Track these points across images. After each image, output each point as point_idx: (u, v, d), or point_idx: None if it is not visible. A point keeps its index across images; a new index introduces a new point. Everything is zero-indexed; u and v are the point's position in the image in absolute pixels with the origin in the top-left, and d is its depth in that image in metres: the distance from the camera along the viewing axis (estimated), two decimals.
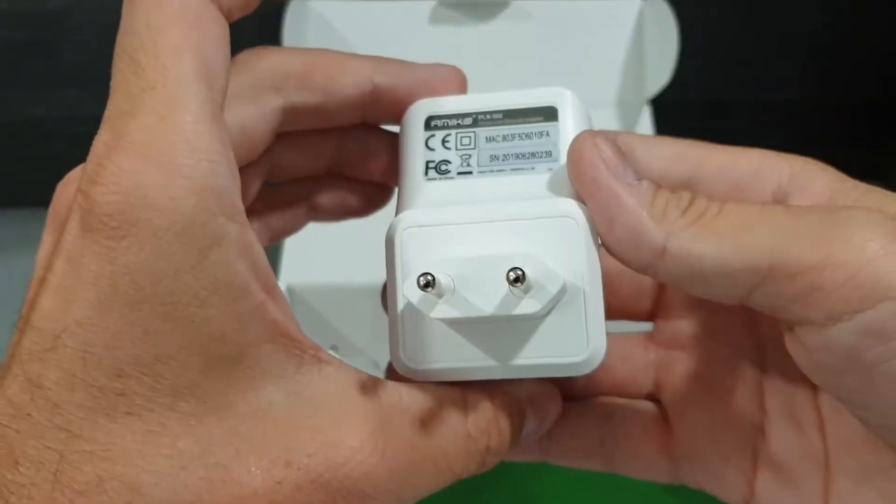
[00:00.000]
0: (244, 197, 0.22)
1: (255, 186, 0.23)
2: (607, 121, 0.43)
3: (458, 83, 0.23)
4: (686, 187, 0.19)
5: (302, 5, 0.42)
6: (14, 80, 0.58)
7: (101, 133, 0.16)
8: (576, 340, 0.18)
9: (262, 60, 0.21)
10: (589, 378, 0.23)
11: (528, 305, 0.17)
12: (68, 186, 0.20)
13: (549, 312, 0.18)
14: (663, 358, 0.23)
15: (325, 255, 0.41)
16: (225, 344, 0.16)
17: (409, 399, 0.18)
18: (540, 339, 0.18)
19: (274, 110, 0.21)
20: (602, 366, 0.19)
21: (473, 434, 0.18)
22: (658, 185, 0.18)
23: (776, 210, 0.17)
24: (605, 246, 0.19)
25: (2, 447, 0.15)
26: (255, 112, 0.20)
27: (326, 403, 0.17)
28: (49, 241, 0.19)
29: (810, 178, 0.19)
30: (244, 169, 0.21)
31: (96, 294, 0.15)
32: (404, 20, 0.43)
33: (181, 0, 0.16)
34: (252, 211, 0.23)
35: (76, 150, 0.66)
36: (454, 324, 0.19)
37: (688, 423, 0.22)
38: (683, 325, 0.23)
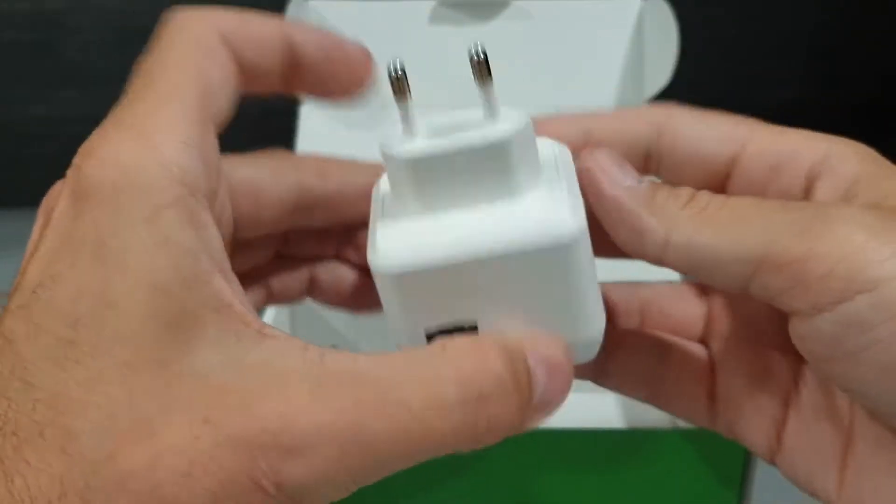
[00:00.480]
0: (252, 257, 0.24)
1: (268, 254, 0.25)
2: None
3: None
4: (730, 167, 0.21)
5: (302, 4, 0.42)
6: (14, 80, 0.58)
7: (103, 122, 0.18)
8: (558, 215, 0.18)
9: (284, 152, 0.24)
10: (645, 320, 0.24)
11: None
12: (57, 187, 0.21)
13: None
14: (715, 307, 0.24)
15: None
16: (168, 299, 0.16)
17: (365, 361, 0.17)
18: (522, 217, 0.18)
19: (289, 184, 0.23)
20: (658, 309, 0.23)
21: (453, 378, 0.16)
22: (658, 183, 0.20)
23: (773, 205, 0.18)
24: (619, 244, 0.20)
25: None
26: (271, 179, 0.23)
27: (260, 370, 0.16)
28: (37, 229, 0.20)
29: (842, 159, 0.20)
30: (260, 239, 0.24)
31: (71, 251, 0.16)
32: (404, 20, 0.43)
33: (197, 36, 0.19)
34: (256, 270, 0.25)
35: (76, 150, 0.66)
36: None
37: (731, 370, 0.22)
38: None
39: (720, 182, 0.21)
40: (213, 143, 0.19)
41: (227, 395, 0.16)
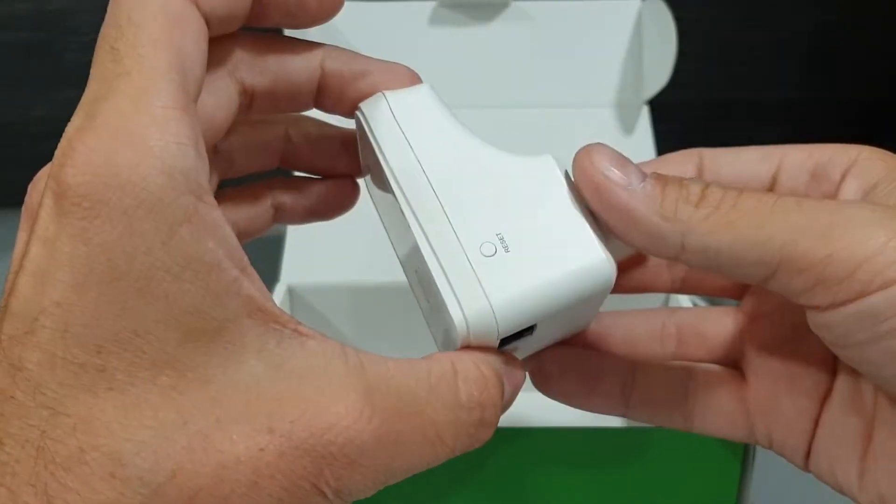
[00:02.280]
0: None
1: (213, 182, 0.23)
2: (606, 122, 0.43)
3: (412, 83, 0.23)
4: (772, 183, 0.22)
5: None
6: (15, 80, 0.58)
7: (73, 118, 0.17)
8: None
9: (216, 44, 0.21)
10: (681, 345, 0.25)
11: None
12: (39, 183, 0.20)
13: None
14: (748, 325, 0.24)
15: (325, 256, 0.41)
16: (202, 318, 0.16)
17: (397, 369, 0.18)
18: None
19: (230, 95, 0.21)
20: (695, 332, 0.24)
21: (466, 405, 0.18)
22: (664, 177, 0.20)
23: (788, 204, 0.19)
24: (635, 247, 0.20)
25: None
26: (214, 97, 0.21)
27: (309, 374, 0.17)
28: (24, 237, 0.19)
29: (870, 162, 0.21)
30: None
31: (72, 274, 0.15)
32: (405, 21, 0.43)
33: (163, 4, 0.17)
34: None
35: None
36: None
37: (766, 380, 0.23)
38: (765, 301, 0.24)
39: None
40: (198, 122, 0.17)
41: (284, 403, 0.16)
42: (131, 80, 0.16)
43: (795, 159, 0.22)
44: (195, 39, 0.18)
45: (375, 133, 0.21)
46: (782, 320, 0.23)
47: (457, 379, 0.19)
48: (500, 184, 0.21)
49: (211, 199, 0.17)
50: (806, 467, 0.22)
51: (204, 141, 0.21)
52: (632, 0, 0.44)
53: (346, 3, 0.43)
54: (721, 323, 0.25)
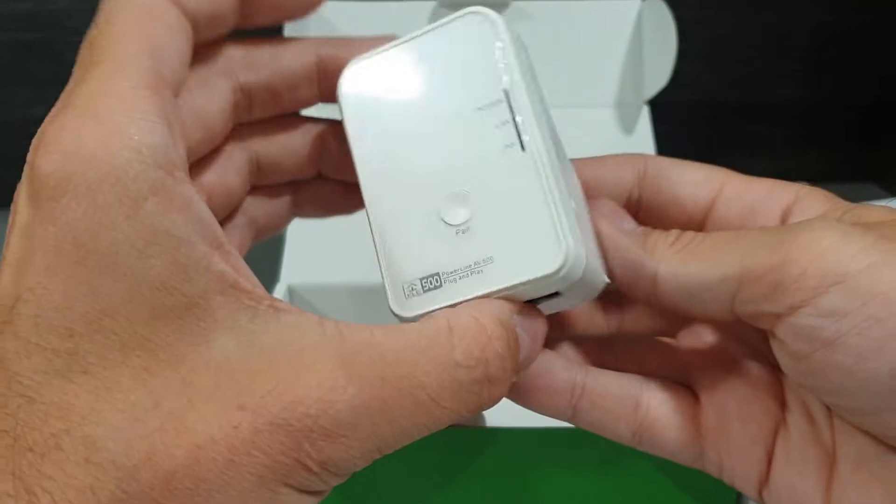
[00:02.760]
0: (231, 196, 0.23)
1: (243, 185, 0.23)
2: (607, 121, 0.43)
3: None
4: (707, 210, 0.23)
5: None
6: (15, 80, 0.58)
7: (52, 110, 0.17)
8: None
9: (209, 48, 0.21)
10: (618, 362, 0.24)
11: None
12: None
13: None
14: (691, 357, 0.24)
15: (325, 255, 0.41)
16: (170, 294, 0.16)
17: (382, 336, 0.17)
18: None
19: (223, 92, 0.21)
20: (630, 346, 0.25)
21: (463, 362, 0.18)
22: (651, 230, 0.22)
23: (749, 231, 0.20)
24: (616, 283, 0.22)
25: None
26: (206, 95, 0.21)
27: (282, 348, 0.17)
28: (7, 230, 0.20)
29: (811, 200, 0.22)
30: (228, 170, 0.22)
31: (44, 257, 0.15)
32: (405, 21, 0.43)
33: (142, 3, 0.18)
34: (239, 210, 0.24)
35: None
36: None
37: (718, 407, 0.23)
38: (707, 334, 0.24)
39: (698, 225, 0.23)
40: (173, 106, 0.17)
41: (255, 378, 0.16)
42: (102, 67, 0.17)
43: (734, 188, 0.23)
44: (171, 33, 0.18)
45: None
46: (726, 353, 0.23)
47: (452, 336, 0.18)
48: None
49: (182, 175, 0.17)
50: (759, 498, 0.22)
51: (207, 140, 0.21)
52: (632, 0, 0.44)
53: (346, 4, 0.43)
54: (661, 350, 0.25)
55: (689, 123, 0.63)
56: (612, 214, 0.22)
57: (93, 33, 0.18)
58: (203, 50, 0.21)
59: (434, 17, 0.43)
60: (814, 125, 0.66)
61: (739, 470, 0.22)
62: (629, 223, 0.22)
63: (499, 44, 0.21)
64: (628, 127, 0.43)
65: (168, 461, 0.15)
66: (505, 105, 0.21)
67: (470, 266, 0.20)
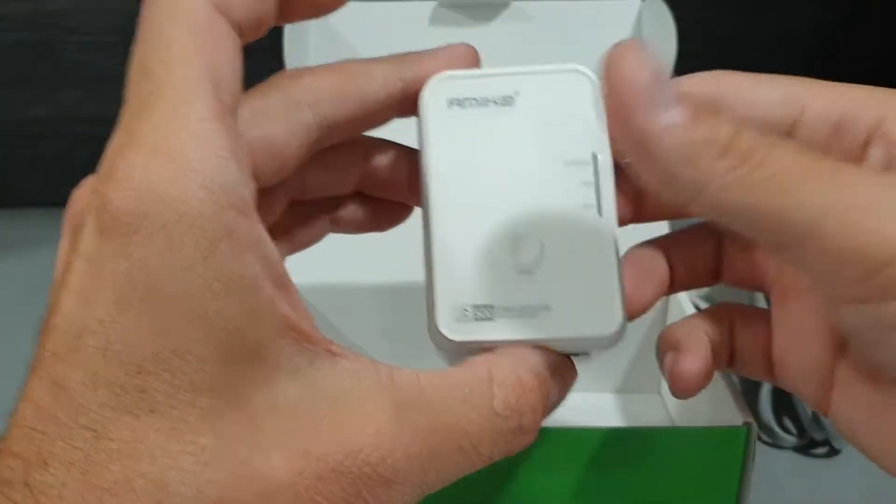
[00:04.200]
0: (271, 212, 0.23)
1: (282, 204, 0.23)
2: None
3: (473, 61, 0.24)
4: (790, 132, 0.20)
5: None
6: (15, 80, 0.58)
7: (114, 136, 0.17)
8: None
9: (294, 80, 0.21)
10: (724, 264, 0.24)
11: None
12: (82, 192, 0.20)
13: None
14: (769, 264, 0.24)
15: (326, 255, 0.41)
16: (240, 338, 0.16)
17: (427, 383, 0.18)
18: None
19: (306, 126, 0.21)
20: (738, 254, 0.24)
21: (501, 413, 0.18)
22: (697, 109, 0.17)
23: (822, 172, 0.17)
24: (642, 178, 0.19)
25: (30, 449, 0.15)
26: (285, 128, 0.21)
27: (342, 394, 0.17)
28: (65, 246, 0.19)
29: (894, 121, 0.20)
30: (275, 187, 0.22)
31: (114, 291, 0.15)
32: (405, 21, 0.43)
33: (191, 13, 0.17)
34: (276, 224, 0.23)
35: (77, 150, 0.67)
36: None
37: (789, 326, 0.23)
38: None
39: None
40: (238, 136, 0.17)
41: (318, 425, 0.17)
42: (164, 95, 0.16)
43: (820, 106, 0.21)
44: (226, 50, 0.17)
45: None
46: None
47: (492, 385, 0.19)
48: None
49: (252, 213, 0.17)
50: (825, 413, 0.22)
51: (277, 166, 0.21)
52: (632, 0, 0.44)
53: (346, 4, 0.42)
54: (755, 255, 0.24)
55: None
56: (643, 90, 0.17)
57: (141, 51, 0.17)
58: (288, 81, 0.21)
59: (434, 17, 0.43)
60: None
61: (805, 390, 0.22)
62: (668, 97, 0.17)
63: (596, 106, 0.22)
64: None
65: None
66: (591, 168, 0.22)
67: (525, 307, 0.21)
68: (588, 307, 0.21)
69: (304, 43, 0.42)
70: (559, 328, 0.20)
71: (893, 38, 0.63)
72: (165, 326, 0.15)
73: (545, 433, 0.28)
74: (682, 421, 0.37)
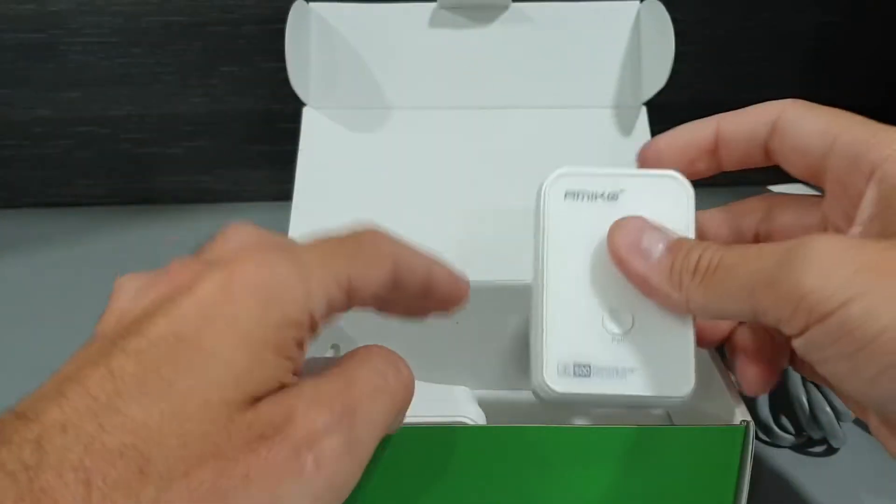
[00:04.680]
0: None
1: None
2: (605, 123, 0.43)
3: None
4: (825, 159, 0.26)
5: (303, 6, 0.42)
6: (17, 81, 0.58)
7: None
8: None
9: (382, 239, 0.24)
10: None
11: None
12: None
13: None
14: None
15: None
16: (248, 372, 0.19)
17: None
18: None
19: (382, 282, 0.23)
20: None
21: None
22: (675, 247, 0.25)
23: (751, 254, 0.23)
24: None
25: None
26: (366, 278, 0.22)
27: None
28: (170, 286, 0.21)
29: (893, 166, 0.24)
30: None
31: (188, 326, 0.19)
32: (405, 22, 0.43)
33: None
34: None
35: (78, 150, 0.67)
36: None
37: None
38: None
39: (816, 173, 0.26)
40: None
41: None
42: None
43: (847, 140, 0.26)
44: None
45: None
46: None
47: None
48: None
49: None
50: None
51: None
52: (630, 1, 0.44)
53: (345, 5, 0.42)
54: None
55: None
56: (634, 247, 0.26)
57: None
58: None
59: (434, 19, 0.43)
60: None
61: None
62: (655, 243, 0.26)
63: (686, 207, 0.28)
64: (626, 128, 0.43)
65: (198, 479, 0.17)
66: None
67: (616, 368, 0.26)
68: (668, 372, 0.26)
69: (306, 44, 0.43)
70: (643, 388, 0.26)
71: (893, 38, 0.63)
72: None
73: (542, 433, 0.29)
74: (680, 420, 0.37)
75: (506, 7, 0.43)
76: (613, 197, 0.27)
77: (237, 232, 0.22)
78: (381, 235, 0.23)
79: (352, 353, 0.22)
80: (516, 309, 0.36)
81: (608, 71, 0.44)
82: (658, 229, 0.26)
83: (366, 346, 0.22)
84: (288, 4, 0.41)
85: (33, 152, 0.60)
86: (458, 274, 0.25)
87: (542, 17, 0.44)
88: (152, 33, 0.57)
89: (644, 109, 0.43)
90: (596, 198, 0.27)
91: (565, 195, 0.28)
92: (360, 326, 0.41)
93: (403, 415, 0.22)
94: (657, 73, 0.41)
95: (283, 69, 0.41)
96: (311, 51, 0.43)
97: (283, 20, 0.41)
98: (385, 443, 0.26)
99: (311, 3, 0.43)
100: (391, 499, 0.28)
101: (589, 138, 0.42)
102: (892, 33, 0.63)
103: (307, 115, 0.42)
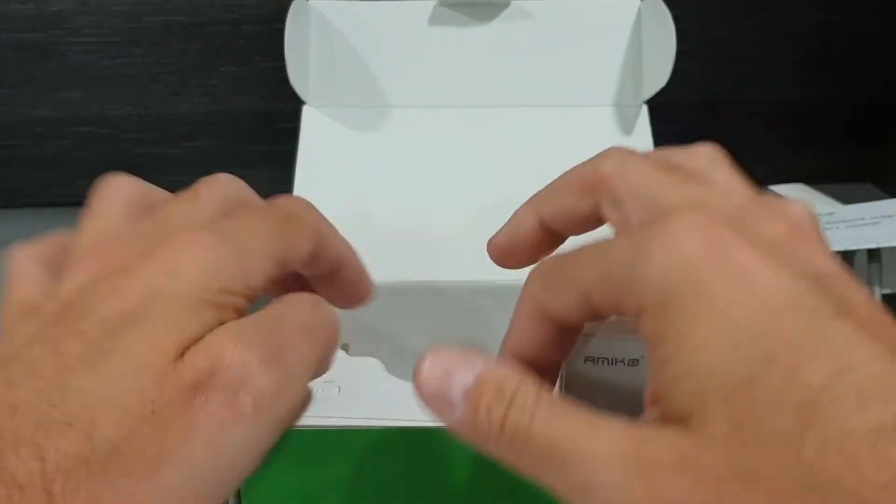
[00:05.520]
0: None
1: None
2: (606, 122, 0.43)
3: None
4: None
5: (303, 4, 0.42)
6: (18, 81, 0.58)
7: None
8: None
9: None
10: None
11: None
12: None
13: None
14: None
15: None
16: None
17: None
18: None
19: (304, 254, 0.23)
20: None
21: None
22: (475, 400, 0.20)
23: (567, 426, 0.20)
24: None
25: None
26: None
27: None
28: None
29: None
30: None
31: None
32: (405, 20, 0.43)
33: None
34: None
35: (78, 151, 0.67)
36: None
37: None
38: None
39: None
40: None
41: None
42: None
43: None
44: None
45: None
46: None
47: None
48: None
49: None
50: None
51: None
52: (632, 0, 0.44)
53: (345, 3, 0.43)
54: None
55: (688, 123, 0.63)
56: (439, 392, 0.20)
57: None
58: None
59: (434, 16, 0.43)
60: (813, 125, 0.66)
61: None
62: (457, 395, 0.20)
63: None
64: (627, 127, 0.43)
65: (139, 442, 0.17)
66: None
67: None
68: None
69: (306, 42, 0.43)
70: None
71: (893, 38, 0.63)
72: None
73: None
74: None
75: (506, 4, 0.43)
76: (633, 363, 0.25)
77: (178, 207, 0.22)
78: (305, 206, 0.23)
79: (274, 300, 0.22)
80: None
81: (609, 69, 0.44)
82: (469, 363, 0.20)
83: (290, 293, 0.22)
84: (288, 4, 0.41)
85: (33, 152, 0.60)
86: (366, 271, 0.26)
87: (543, 14, 0.44)
88: (152, 33, 0.57)
89: (645, 108, 0.43)
90: (616, 363, 0.26)
91: (585, 360, 0.26)
92: (358, 325, 0.41)
93: (333, 353, 0.22)
94: (658, 71, 0.41)
95: (284, 69, 0.41)
96: (310, 49, 0.43)
97: (284, 20, 0.41)
98: (377, 444, 0.26)
99: (311, 1, 0.43)
100: (383, 499, 0.28)
101: (589, 137, 0.42)
102: (892, 33, 0.63)
103: (307, 113, 0.42)
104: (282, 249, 0.22)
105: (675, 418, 0.18)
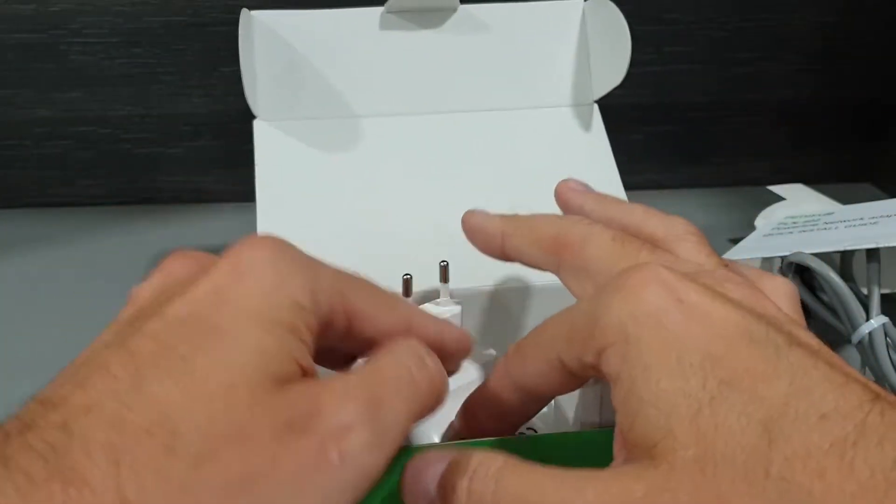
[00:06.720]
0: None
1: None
2: (560, 122, 0.43)
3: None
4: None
5: (248, 17, 0.41)
6: (18, 81, 0.58)
7: None
8: None
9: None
10: None
11: None
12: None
13: None
14: None
15: (324, 256, 0.41)
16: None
17: None
18: None
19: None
20: None
21: None
22: (444, 478, 0.21)
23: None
24: None
25: None
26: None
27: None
28: (183, 271, 0.21)
29: None
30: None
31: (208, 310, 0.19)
32: (352, 29, 0.42)
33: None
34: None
35: (78, 151, 0.67)
36: None
37: None
38: None
39: None
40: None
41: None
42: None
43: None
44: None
45: None
46: None
47: None
48: None
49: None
50: None
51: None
52: (577, 1, 0.43)
53: (287, 12, 0.42)
54: None
55: (689, 123, 0.63)
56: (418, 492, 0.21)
57: None
58: None
59: (383, 24, 0.42)
60: (813, 125, 0.66)
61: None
62: (432, 479, 0.21)
63: None
64: (584, 126, 0.43)
65: (226, 461, 0.17)
66: None
67: None
68: None
69: (250, 51, 0.41)
70: None
71: (893, 38, 0.63)
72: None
73: (541, 438, 0.29)
74: None
75: (454, 9, 0.42)
76: None
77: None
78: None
79: (379, 347, 0.22)
80: (511, 311, 0.36)
81: (560, 70, 0.43)
82: (442, 457, 0.21)
83: (394, 339, 0.22)
84: (289, 5, 0.41)
85: (33, 152, 0.60)
86: (455, 329, 0.25)
87: (492, 18, 0.42)
88: (152, 33, 0.57)
89: (596, 107, 0.43)
90: None
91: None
92: None
93: (430, 408, 0.22)
94: (611, 70, 0.41)
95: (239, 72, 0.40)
96: (255, 61, 0.41)
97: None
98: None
99: (254, 12, 0.41)
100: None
101: (547, 138, 0.42)
102: (891, 33, 0.63)
103: (258, 127, 0.41)
104: (347, 288, 0.22)
105: (641, 452, 0.19)
